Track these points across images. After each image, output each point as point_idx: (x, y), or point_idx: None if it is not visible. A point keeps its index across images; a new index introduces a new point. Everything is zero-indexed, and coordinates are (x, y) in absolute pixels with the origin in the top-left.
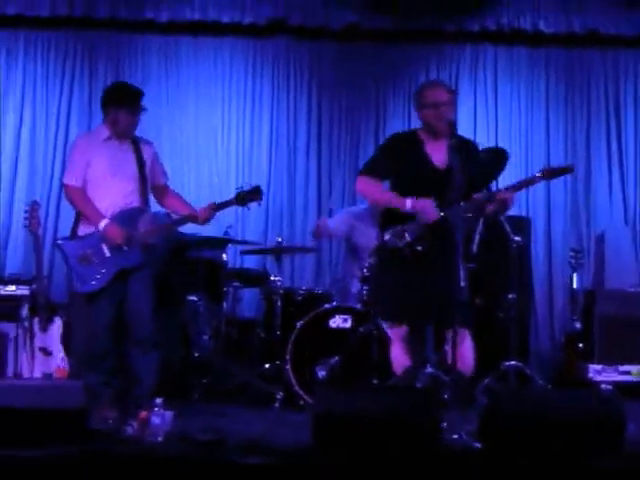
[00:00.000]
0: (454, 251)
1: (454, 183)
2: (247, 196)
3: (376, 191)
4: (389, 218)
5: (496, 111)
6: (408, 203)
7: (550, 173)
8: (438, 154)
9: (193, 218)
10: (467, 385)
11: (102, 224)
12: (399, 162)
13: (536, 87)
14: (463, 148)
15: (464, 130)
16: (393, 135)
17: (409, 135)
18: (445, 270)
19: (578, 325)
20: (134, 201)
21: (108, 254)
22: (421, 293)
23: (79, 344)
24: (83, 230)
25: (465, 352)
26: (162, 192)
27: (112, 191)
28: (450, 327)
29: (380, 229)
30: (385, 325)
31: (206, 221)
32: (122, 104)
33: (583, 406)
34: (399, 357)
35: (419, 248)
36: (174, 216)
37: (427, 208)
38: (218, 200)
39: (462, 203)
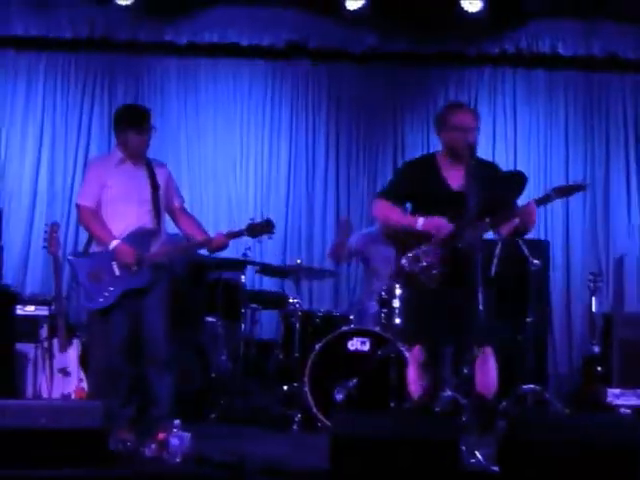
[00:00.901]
0: (471, 273)
1: (468, 206)
2: (258, 228)
3: (390, 214)
4: (404, 242)
5: (515, 134)
6: (419, 222)
7: (562, 191)
8: (455, 177)
9: (206, 244)
10: (489, 408)
11: (113, 244)
12: (415, 186)
13: (555, 110)
14: (482, 170)
15: (483, 153)
16: (410, 160)
17: (426, 159)
18: (464, 292)
19: (597, 349)
20: (147, 223)
21: (118, 273)
22: (438, 315)
23: (95, 363)
24: (94, 248)
25: (489, 371)
26: (177, 214)
27: (126, 214)
28: (474, 347)
29: (396, 254)
30: (403, 347)
31: (218, 250)
32: (130, 125)
33: (601, 430)
34: (414, 380)
35: (434, 272)
36: (189, 240)
37: (438, 225)
38: (235, 226)
39: (487, 220)
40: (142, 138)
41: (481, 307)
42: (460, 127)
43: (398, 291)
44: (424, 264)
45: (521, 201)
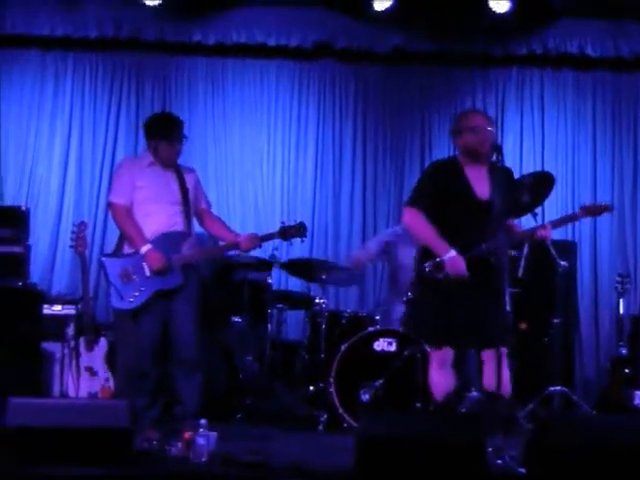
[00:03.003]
0: (498, 276)
1: (494, 213)
2: (290, 231)
3: (422, 227)
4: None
5: (543, 135)
6: (447, 255)
7: (589, 211)
8: (479, 182)
9: (236, 245)
10: (510, 408)
11: (144, 249)
12: (441, 190)
13: (583, 111)
14: (502, 176)
15: (510, 154)
16: (433, 163)
17: (449, 162)
18: (489, 294)
19: (624, 350)
20: (178, 224)
21: (148, 273)
22: (462, 317)
23: (123, 363)
24: (127, 249)
25: (504, 372)
26: (205, 217)
27: (158, 213)
28: (492, 348)
29: (420, 257)
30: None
31: (249, 250)
32: (162, 136)
33: (628, 433)
34: (437, 382)
35: (457, 279)
36: (217, 242)
37: (456, 268)
38: (261, 224)
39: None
40: (173, 148)
41: (508, 309)
42: (473, 126)
43: None
44: (447, 272)
45: (549, 202)
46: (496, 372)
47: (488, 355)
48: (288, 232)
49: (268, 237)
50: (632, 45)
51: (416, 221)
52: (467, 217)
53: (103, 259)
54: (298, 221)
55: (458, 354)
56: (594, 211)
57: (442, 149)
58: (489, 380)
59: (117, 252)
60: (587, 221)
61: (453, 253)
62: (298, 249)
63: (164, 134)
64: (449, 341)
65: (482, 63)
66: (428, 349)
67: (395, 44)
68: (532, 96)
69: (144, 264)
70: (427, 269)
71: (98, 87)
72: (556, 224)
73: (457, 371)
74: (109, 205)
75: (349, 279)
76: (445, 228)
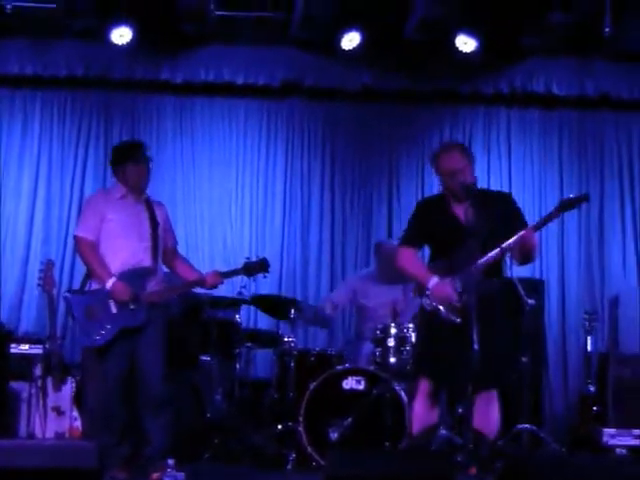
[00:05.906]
0: (494, 313)
1: (467, 246)
2: (254, 267)
3: (407, 265)
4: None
5: (509, 173)
6: (430, 283)
7: (566, 205)
8: (466, 211)
9: (200, 283)
10: (489, 448)
11: (109, 282)
12: (431, 225)
13: (549, 149)
14: (486, 204)
15: None
16: (422, 200)
17: (437, 198)
18: (485, 330)
19: (592, 388)
20: (145, 260)
21: (114, 310)
22: (456, 352)
23: (90, 400)
24: (93, 285)
25: (493, 414)
26: (171, 256)
27: (124, 249)
28: (486, 388)
29: (419, 293)
30: (398, 387)
31: (213, 287)
32: (126, 158)
33: (598, 471)
34: (420, 415)
35: (456, 305)
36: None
37: (440, 293)
38: (230, 264)
39: (482, 260)
40: (140, 168)
41: (476, 347)
42: (447, 171)
43: (393, 330)
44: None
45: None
46: (484, 412)
47: (480, 395)
48: (251, 268)
49: (232, 273)
50: (597, 83)
51: (405, 261)
52: (458, 245)
53: (67, 296)
54: (261, 257)
55: (440, 389)
56: (571, 203)
57: (410, 188)
58: (478, 421)
59: (82, 289)
60: (555, 259)
61: (435, 280)
62: (267, 288)
63: (128, 155)
64: (429, 374)
65: (450, 101)
66: (397, 388)
67: (363, 82)
68: (499, 135)
69: (110, 301)
70: (424, 301)
71: (66, 126)
72: (538, 226)
73: (437, 405)
74: (75, 239)
75: (317, 320)
76: (442, 259)
